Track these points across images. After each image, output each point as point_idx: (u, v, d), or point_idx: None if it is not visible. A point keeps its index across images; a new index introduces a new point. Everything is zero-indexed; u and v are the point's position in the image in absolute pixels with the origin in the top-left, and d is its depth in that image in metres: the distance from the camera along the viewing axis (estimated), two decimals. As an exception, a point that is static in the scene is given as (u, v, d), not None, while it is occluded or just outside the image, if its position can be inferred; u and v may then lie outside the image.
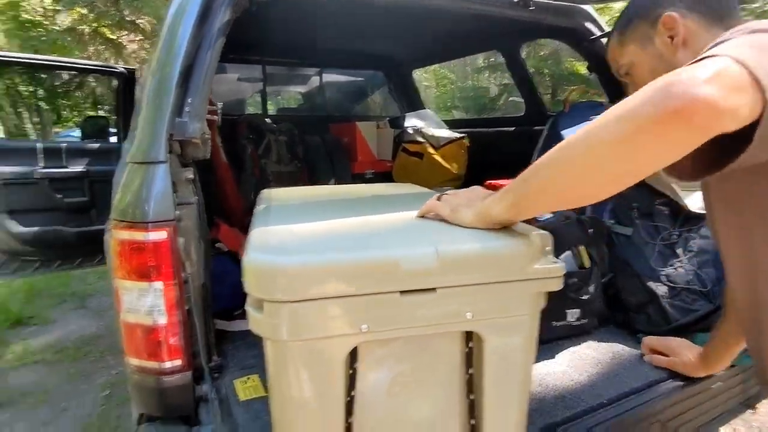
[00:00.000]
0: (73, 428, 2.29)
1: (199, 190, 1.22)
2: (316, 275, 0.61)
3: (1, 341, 3.21)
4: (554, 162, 0.63)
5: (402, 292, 0.64)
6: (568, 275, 1.19)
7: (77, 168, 2.76)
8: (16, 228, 2.70)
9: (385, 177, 2.77)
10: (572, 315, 1.30)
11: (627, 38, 0.88)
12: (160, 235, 1.04)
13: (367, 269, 0.62)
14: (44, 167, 2.71)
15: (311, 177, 2.67)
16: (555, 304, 1.14)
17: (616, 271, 1.46)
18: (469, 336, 0.70)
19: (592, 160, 0.59)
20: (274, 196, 1.18)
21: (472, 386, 0.72)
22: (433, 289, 0.65)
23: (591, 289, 1.36)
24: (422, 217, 0.83)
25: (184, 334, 1.11)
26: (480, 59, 10.88)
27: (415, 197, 1.15)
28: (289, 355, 0.63)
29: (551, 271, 0.69)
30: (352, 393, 0.67)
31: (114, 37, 10.17)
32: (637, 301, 1.39)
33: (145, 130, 1.08)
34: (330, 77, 3.33)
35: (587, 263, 1.38)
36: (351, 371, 0.66)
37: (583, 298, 1.31)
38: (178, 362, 1.10)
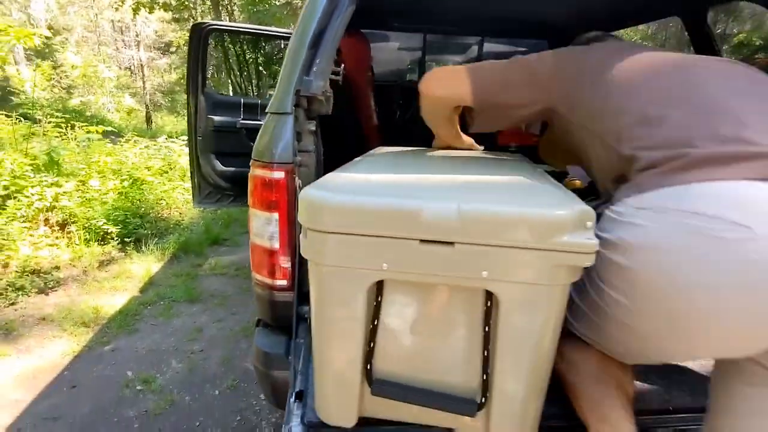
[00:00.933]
0: (237, 327, 2.87)
1: (319, 141, 1.41)
2: (348, 212, 0.72)
3: (202, 254, 4.11)
4: None
5: (421, 240, 0.70)
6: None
7: None
8: (220, 167, 3.35)
9: (530, 151, 2.67)
10: None
11: None
12: (280, 174, 1.25)
13: (391, 215, 0.70)
14: (243, 119, 3.31)
15: None
16: None
17: None
18: (490, 295, 0.73)
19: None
20: (377, 151, 1.30)
21: (488, 343, 0.75)
22: (452, 243, 0.70)
23: None
24: None
25: (292, 261, 1.33)
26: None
27: (510, 167, 1.15)
28: (325, 278, 0.76)
29: (580, 246, 0.67)
30: (376, 322, 0.77)
31: (320, 8, 11.33)
32: None
33: (281, 86, 1.29)
34: (490, 46, 3.26)
35: None
36: (376, 303, 0.76)
37: None
38: (285, 282, 1.33)
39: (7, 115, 4.90)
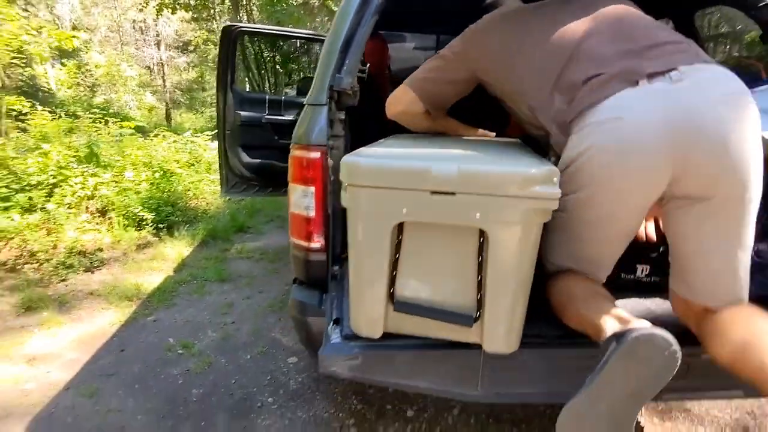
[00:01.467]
0: (264, 303, 3.16)
1: (347, 128, 1.67)
2: (376, 172, 0.98)
3: (229, 240, 4.41)
4: None
5: (431, 192, 0.97)
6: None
7: (290, 117, 3.57)
8: (246, 159, 3.61)
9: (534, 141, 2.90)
10: (642, 270, 1.40)
11: None
12: (316, 154, 1.52)
13: (408, 173, 0.97)
14: (268, 114, 3.58)
15: None
16: (627, 257, 1.30)
17: None
18: (482, 233, 0.99)
19: None
20: (396, 136, 1.57)
21: (481, 269, 1.01)
22: (453, 194, 0.96)
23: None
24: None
25: (324, 227, 1.59)
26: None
27: (503, 145, 1.42)
28: (359, 222, 1.03)
29: (549, 194, 0.93)
30: (397, 255, 1.03)
31: (336, 9, 11.58)
32: None
33: (317, 82, 1.56)
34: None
35: None
36: (397, 240, 1.02)
37: (653, 256, 1.39)
38: (318, 245, 1.59)
39: (51, 112, 5.28)
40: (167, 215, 4.50)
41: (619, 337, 0.95)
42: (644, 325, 0.97)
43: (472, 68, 1.52)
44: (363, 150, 1.11)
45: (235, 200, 5.19)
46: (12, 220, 3.65)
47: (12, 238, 3.65)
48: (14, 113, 4.86)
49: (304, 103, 1.60)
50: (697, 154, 1.07)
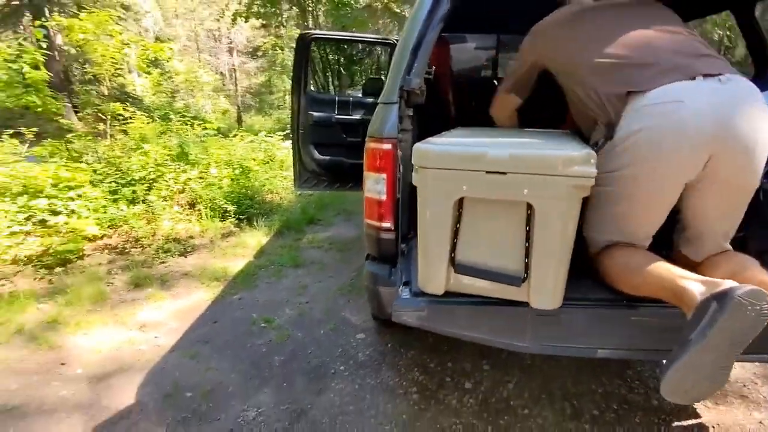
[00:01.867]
0: (334, 287, 3.47)
1: (415, 123, 1.90)
2: (442, 156, 1.20)
3: (301, 231, 4.79)
4: None
5: (487, 171, 1.17)
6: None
7: (357, 116, 3.84)
8: (317, 156, 3.90)
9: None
10: None
11: None
12: (388, 146, 1.75)
13: (468, 156, 1.18)
14: (337, 114, 3.86)
15: None
16: (665, 235, 1.45)
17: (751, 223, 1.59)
18: (529, 206, 1.19)
19: None
20: (458, 129, 1.78)
21: (528, 238, 1.21)
22: (505, 173, 1.16)
23: None
24: None
25: (394, 210, 1.82)
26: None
27: (552, 134, 1.59)
28: (427, 197, 1.25)
29: (586, 173, 1.11)
30: (458, 225, 1.25)
31: (398, 11, 11.88)
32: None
33: (389, 82, 1.80)
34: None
35: None
36: (458, 213, 1.24)
37: None
38: (389, 224, 1.82)
39: (148, 115, 5.97)
40: (247, 208, 4.97)
41: (719, 297, 1.12)
42: (734, 284, 1.15)
43: (541, 55, 1.78)
44: (431, 139, 1.33)
45: (305, 195, 5.59)
46: (120, 210, 4.24)
47: (120, 226, 4.23)
48: (120, 118, 5.55)
49: (374, 102, 1.83)
50: (732, 145, 1.29)
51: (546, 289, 1.24)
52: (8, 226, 3.65)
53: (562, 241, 1.19)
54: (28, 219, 3.82)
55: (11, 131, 4.92)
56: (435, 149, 1.21)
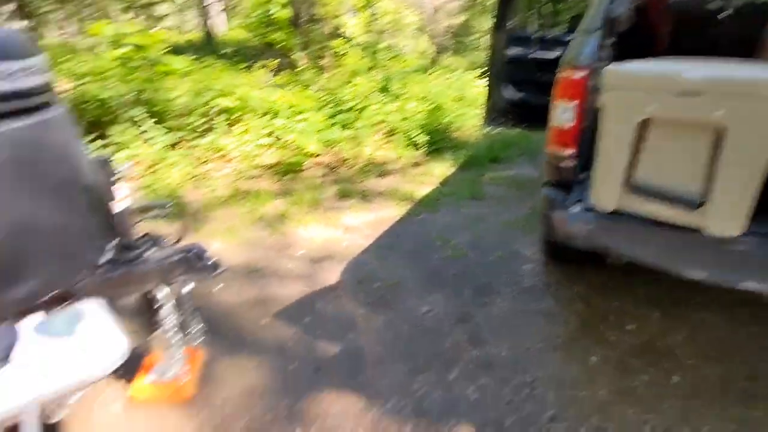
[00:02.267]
0: (511, 219, 3.63)
1: (611, 55, 1.86)
2: (631, 76, 1.25)
3: (484, 167, 4.97)
4: None
5: (678, 93, 1.19)
6: None
7: (554, 54, 3.70)
8: (509, 93, 3.95)
9: None
10: None
11: None
12: (582, 73, 1.78)
13: (661, 77, 1.20)
14: (533, 51, 3.79)
15: None
16: None
17: None
18: (717, 130, 1.17)
19: None
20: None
21: (713, 161, 1.20)
22: (699, 94, 1.16)
23: None
24: None
25: (579, 138, 1.87)
26: None
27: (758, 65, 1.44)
28: (614, 117, 1.32)
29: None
30: (639, 146, 1.30)
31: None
32: None
33: (591, 10, 1.79)
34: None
35: None
36: (641, 134, 1.29)
37: None
38: (572, 152, 1.89)
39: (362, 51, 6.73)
40: (437, 141, 5.35)
41: None
42: None
43: None
44: (623, 63, 1.37)
45: (492, 133, 5.69)
46: (335, 133, 5.01)
47: (333, 147, 5.02)
48: (338, 54, 6.38)
49: (573, 36, 1.84)
50: None
51: (729, 213, 1.21)
52: (257, 139, 4.70)
53: (755, 164, 1.14)
54: (269, 135, 4.83)
55: (260, 63, 6.13)
56: (625, 70, 1.25)
